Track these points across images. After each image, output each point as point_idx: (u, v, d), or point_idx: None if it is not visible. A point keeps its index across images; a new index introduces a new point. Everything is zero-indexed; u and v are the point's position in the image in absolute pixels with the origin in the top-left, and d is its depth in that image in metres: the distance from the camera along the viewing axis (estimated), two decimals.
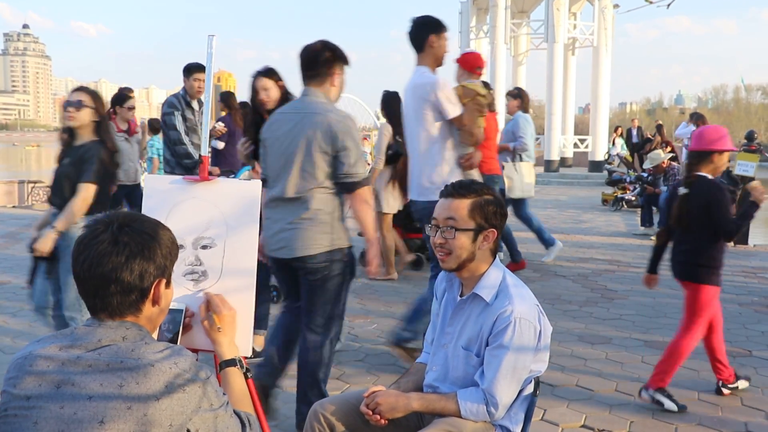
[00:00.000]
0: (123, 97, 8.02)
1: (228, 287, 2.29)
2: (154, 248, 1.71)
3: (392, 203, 7.36)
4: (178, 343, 2.23)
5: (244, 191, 2.38)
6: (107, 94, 9.10)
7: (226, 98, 9.82)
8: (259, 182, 2.40)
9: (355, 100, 39.60)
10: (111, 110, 7.82)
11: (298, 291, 3.71)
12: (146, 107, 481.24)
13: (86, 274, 1.67)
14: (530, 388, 2.46)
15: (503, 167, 7.90)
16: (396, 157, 7.10)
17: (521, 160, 8.23)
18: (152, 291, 1.73)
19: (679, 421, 3.98)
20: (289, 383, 4.45)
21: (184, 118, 6.83)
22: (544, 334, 2.41)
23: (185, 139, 6.77)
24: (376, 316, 6.09)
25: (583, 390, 4.44)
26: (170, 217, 2.33)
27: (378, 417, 2.41)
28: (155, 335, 1.85)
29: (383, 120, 7.46)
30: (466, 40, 27.73)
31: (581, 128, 33.62)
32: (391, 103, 7.02)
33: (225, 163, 10.36)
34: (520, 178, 8.15)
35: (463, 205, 2.42)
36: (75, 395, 1.58)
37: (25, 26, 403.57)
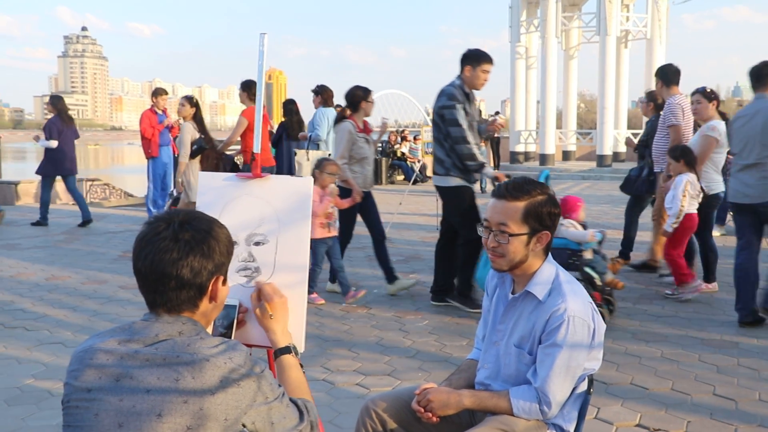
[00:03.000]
0: (366, 90, 6.84)
1: (280, 283, 2.30)
2: (212, 246, 1.74)
3: None
4: (232, 338, 2.25)
5: (296, 188, 2.39)
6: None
7: (55, 101, 10.81)
8: (311, 179, 2.41)
9: (404, 96, 39.49)
10: (344, 107, 6.95)
11: (755, 232, 5.68)
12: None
13: (147, 270, 1.71)
14: (584, 386, 2.42)
15: (296, 153, 9.41)
16: (200, 152, 8.24)
17: (317, 148, 9.47)
18: (210, 287, 1.76)
19: (740, 421, 3.88)
20: (342, 379, 4.48)
21: (465, 113, 5.94)
22: (598, 332, 2.37)
23: (470, 137, 5.87)
24: (427, 313, 6.08)
25: (637, 388, 4.37)
26: (224, 214, 2.35)
27: (429, 414, 2.41)
28: (209, 330, 1.88)
29: (189, 121, 8.54)
30: (516, 34, 27.52)
31: (635, 122, 33.06)
32: (199, 108, 8.39)
33: (54, 161, 10.72)
34: (309, 164, 9.07)
35: (516, 208, 2.37)
36: (133, 388, 1.61)
37: (83, 29, 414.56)
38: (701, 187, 6.42)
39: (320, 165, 6.20)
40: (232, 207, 2.40)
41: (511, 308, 2.49)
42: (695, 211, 6.41)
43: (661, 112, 7.27)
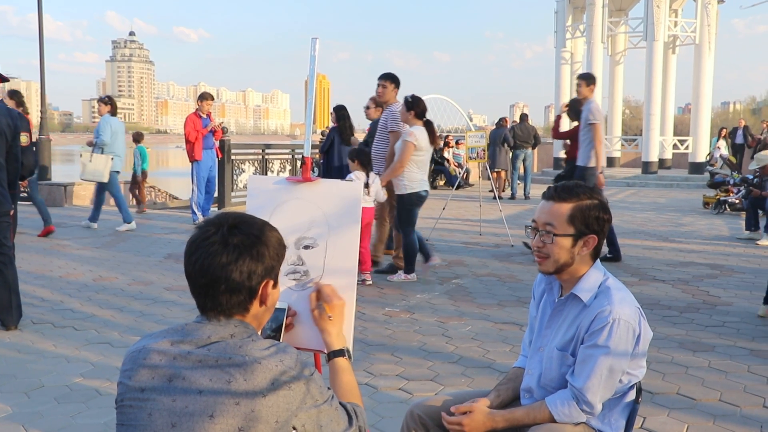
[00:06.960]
0: None
1: None
2: (262, 249, 1.75)
3: None
4: (281, 341, 2.28)
5: (345, 192, 2.41)
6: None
7: None
8: (361, 183, 2.43)
9: (447, 100, 39.39)
10: None
11: None
12: (242, 109, 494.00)
13: (197, 274, 1.73)
14: (632, 395, 2.39)
15: (81, 155, 11.01)
16: None
17: (102, 152, 10.71)
18: (260, 291, 1.77)
19: None
20: (384, 383, 4.49)
21: None
22: (643, 339, 2.34)
23: None
24: (470, 318, 6.06)
25: (684, 398, 4.30)
26: (274, 217, 2.37)
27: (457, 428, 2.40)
28: (259, 333, 1.90)
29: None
30: (561, 39, 27.30)
31: (681, 129, 32.58)
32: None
33: None
34: (93, 166, 10.62)
35: (563, 210, 2.36)
36: (186, 389, 1.63)
37: (131, 33, 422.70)
38: (366, 183, 7.27)
39: None
40: (282, 210, 2.43)
41: (557, 312, 2.47)
42: (370, 206, 7.42)
43: (382, 116, 8.22)
